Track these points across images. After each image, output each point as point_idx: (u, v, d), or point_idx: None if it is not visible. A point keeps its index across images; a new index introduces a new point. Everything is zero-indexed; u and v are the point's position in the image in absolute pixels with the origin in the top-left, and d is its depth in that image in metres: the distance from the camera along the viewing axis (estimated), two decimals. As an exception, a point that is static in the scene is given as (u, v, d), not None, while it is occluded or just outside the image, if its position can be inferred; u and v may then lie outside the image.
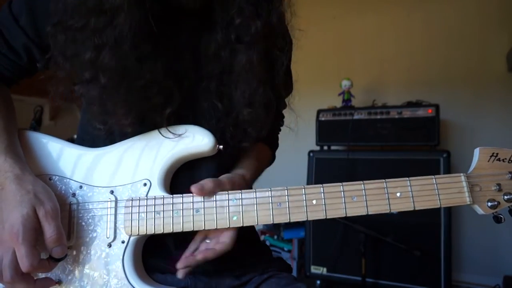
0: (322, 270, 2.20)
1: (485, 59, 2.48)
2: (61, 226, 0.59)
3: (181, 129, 0.66)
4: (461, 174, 0.62)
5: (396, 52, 2.75)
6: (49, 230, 0.57)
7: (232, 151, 0.72)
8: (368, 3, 2.84)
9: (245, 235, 0.79)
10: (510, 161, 0.62)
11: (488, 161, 0.62)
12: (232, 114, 0.68)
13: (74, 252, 0.63)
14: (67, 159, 0.68)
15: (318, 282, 2.29)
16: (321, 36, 2.89)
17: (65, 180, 0.66)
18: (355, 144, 2.25)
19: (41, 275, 0.61)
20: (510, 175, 0.61)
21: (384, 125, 2.20)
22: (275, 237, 2.70)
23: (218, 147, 0.67)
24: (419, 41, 2.69)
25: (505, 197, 0.61)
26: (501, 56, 2.41)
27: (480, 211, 0.62)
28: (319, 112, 2.37)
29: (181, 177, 0.69)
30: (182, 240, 0.68)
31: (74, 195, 0.65)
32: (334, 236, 2.14)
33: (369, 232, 1.99)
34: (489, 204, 0.61)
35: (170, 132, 0.65)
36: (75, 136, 0.79)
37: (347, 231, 2.11)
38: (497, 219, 0.61)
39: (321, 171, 2.24)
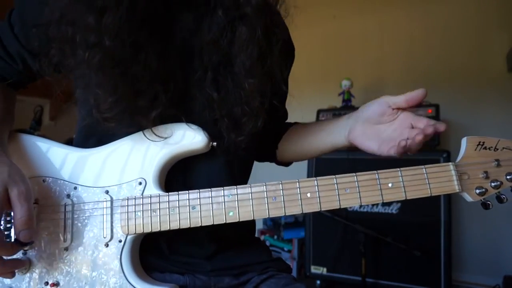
0: (322, 270, 2.20)
1: (485, 59, 2.48)
2: (33, 210, 0.57)
3: (167, 131, 0.65)
4: (450, 163, 0.63)
5: (396, 52, 2.75)
6: (20, 211, 0.55)
7: (227, 148, 0.69)
8: (368, 3, 2.84)
9: (244, 235, 0.79)
10: (496, 149, 0.63)
11: (475, 150, 0.63)
12: (228, 104, 0.66)
13: (71, 253, 0.63)
14: (60, 160, 0.67)
15: (318, 282, 2.29)
16: (321, 35, 2.90)
17: (59, 182, 0.65)
18: (355, 144, 2.24)
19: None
20: (496, 162, 0.62)
21: (384, 125, 2.20)
22: (275, 237, 2.70)
23: (212, 144, 0.66)
24: (419, 41, 2.68)
25: (492, 184, 0.62)
26: (501, 56, 2.41)
27: (468, 198, 0.63)
28: (319, 112, 2.37)
29: (175, 176, 0.68)
30: (175, 243, 0.68)
31: (68, 196, 0.65)
32: (334, 236, 2.14)
33: (369, 232, 1.98)
34: (477, 191, 0.62)
35: (155, 135, 0.64)
36: (75, 136, 0.79)
37: (347, 231, 2.11)
38: (485, 205, 0.62)
39: (321, 171, 2.24)
